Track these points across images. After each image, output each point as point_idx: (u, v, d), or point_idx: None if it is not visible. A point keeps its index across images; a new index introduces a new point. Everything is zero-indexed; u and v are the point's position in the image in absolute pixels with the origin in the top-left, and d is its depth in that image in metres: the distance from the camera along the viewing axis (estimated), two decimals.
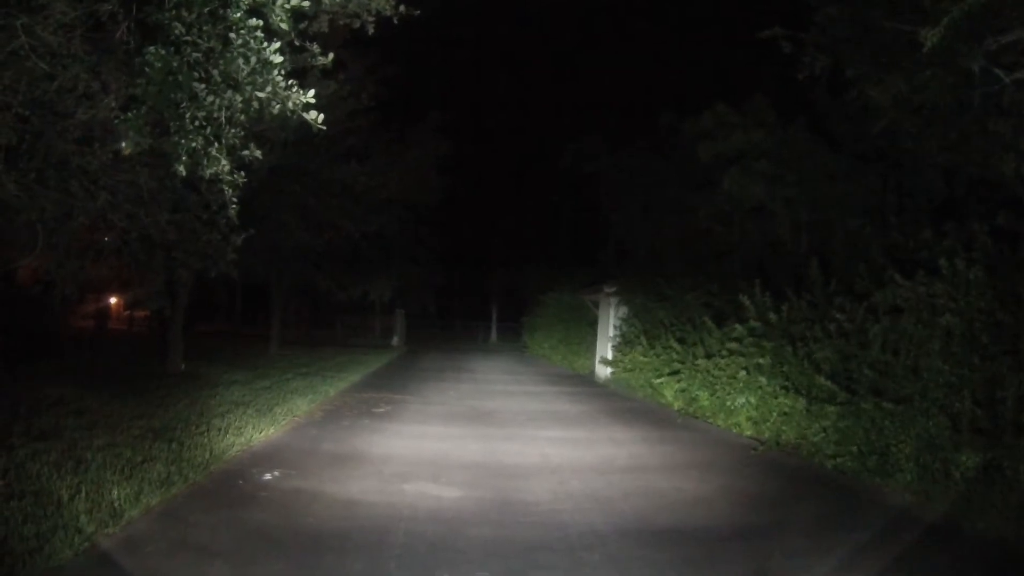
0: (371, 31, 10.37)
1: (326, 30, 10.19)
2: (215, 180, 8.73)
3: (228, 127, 8.04)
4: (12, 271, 19.85)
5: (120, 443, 11.27)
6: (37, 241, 11.74)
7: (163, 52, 7.28)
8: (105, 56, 8.60)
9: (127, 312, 48.64)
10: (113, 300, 48.70)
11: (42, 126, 9.50)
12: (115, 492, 8.69)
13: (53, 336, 26.17)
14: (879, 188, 16.38)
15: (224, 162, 8.23)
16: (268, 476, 10.65)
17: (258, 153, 8.91)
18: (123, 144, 7.91)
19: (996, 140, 12.89)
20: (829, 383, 13.42)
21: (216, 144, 8.06)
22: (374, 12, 10.18)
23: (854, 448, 12.34)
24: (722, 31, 26.49)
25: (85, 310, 42.66)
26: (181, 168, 8.03)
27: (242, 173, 8.90)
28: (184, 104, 7.66)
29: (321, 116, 8.02)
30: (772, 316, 15.83)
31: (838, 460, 12.54)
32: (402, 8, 10.22)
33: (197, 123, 7.75)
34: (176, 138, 7.74)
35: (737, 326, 16.92)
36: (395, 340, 46.57)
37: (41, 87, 8.69)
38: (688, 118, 24.70)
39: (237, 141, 8.41)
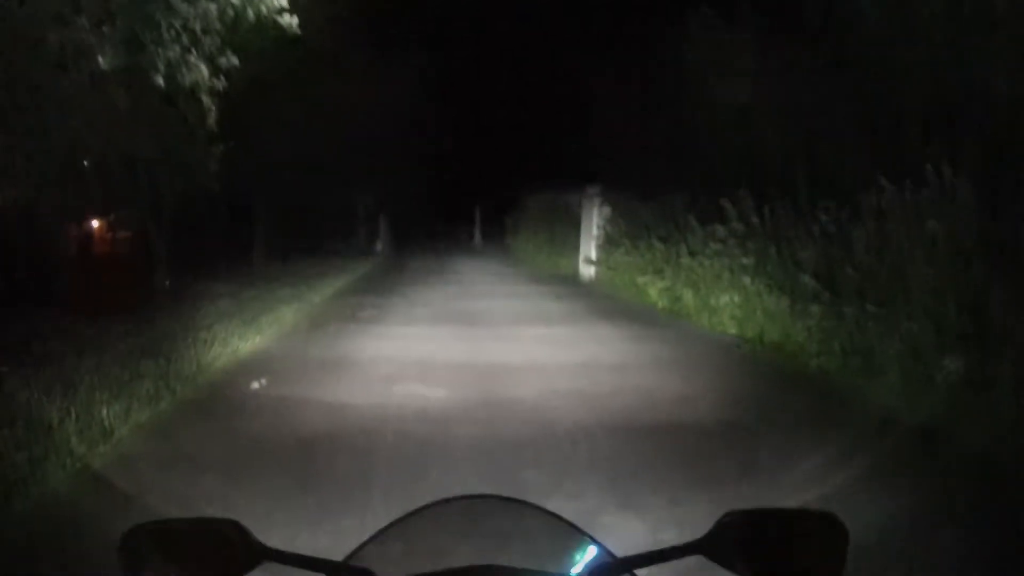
0: None
1: None
2: (194, 90, 8.65)
3: (205, 36, 7.95)
4: None
5: (108, 363, 11.21)
6: (14, 170, 11.61)
7: None
8: None
9: (110, 234, 48.23)
10: (95, 224, 48.25)
11: (13, 54, 9.35)
12: (105, 411, 8.71)
13: (38, 263, 26.01)
14: (867, 99, 16.24)
15: (203, 69, 8.14)
16: (256, 385, 10.75)
17: (235, 60, 8.81)
18: (101, 60, 7.78)
19: (987, 53, 12.76)
20: (813, 282, 13.48)
21: (193, 53, 7.97)
22: None
23: (837, 348, 12.39)
24: None
25: (68, 235, 42.28)
26: (160, 79, 7.95)
27: (221, 78, 8.82)
28: (159, 15, 7.55)
29: (295, 20, 7.93)
30: (755, 219, 15.84)
31: (821, 359, 12.59)
32: None
33: (173, 32, 7.65)
34: (153, 49, 7.64)
35: (719, 226, 16.94)
36: (379, 246, 46.44)
37: (8, 13, 8.54)
38: (674, 21, 24.40)
39: (214, 49, 8.32)
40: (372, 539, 1.90)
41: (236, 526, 1.61)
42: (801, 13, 18.06)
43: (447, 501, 2.03)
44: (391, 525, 1.95)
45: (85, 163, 13.82)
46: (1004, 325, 9.87)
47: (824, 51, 17.39)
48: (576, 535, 1.97)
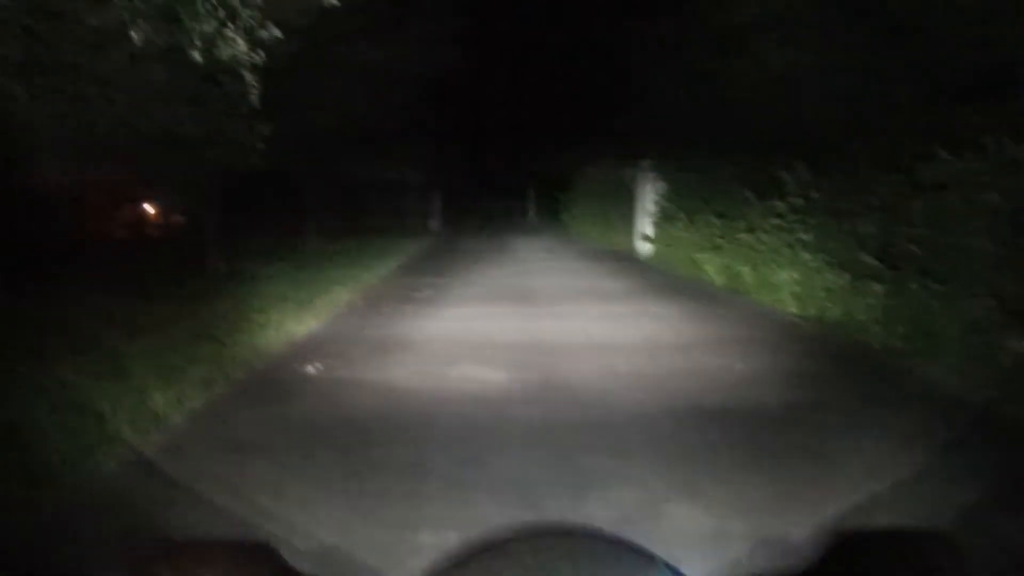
0: None
1: None
2: (233, 68, 8.49)
3: (242, 8, 7.77)
4: (42, 182, 19.78)
5: (160, 347, 11.24)
6: (61, 152, 11.59)
7: None
8: None
9: (164, 218, 48.77)
10: (148, 207, 48.80)
11: (51, 36, 9.26)
12: (157, 397, 8.65)
13: (91, 246, 26.23)
14: (902, 66, 15.78)
15: (241, 43, 7.97)
16: (310, 368, 10.62)
17: (277, 32, 8.64)
18: (133, 34, 7.63)
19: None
20: (873, 260, 13.13)
21: (231, 26, 7.80)
22: None
23: (900, 328, 12.07)
24: None
25: (122, 219, 42.78)
26: (197, 55, 7.80)
27: (260, 52, 8.65)
28: None
29: None
30: (814, 193, 15.48)
31: (884, 338, 12.27)
32: None
33: (209, 5, 7.48)
34: (189, 23, 7.48)
35: (778, 202, 16.59)
36: (432, 223, 46.48)
37: None
38: None
39: (253, 22, 8.15)
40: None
41: (267, 549, 1.42)
42: None
43: (514, 535, 1.84)
44: (455, 560, 1.76)
45: (129, 142, 13.75)
46: None
47: (878, 11, 16.96)
48: (649, 561, 1.78)
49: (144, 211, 47.31)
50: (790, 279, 15.84)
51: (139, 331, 12.42)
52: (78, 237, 26.03)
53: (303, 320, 14.00)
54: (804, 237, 15.53)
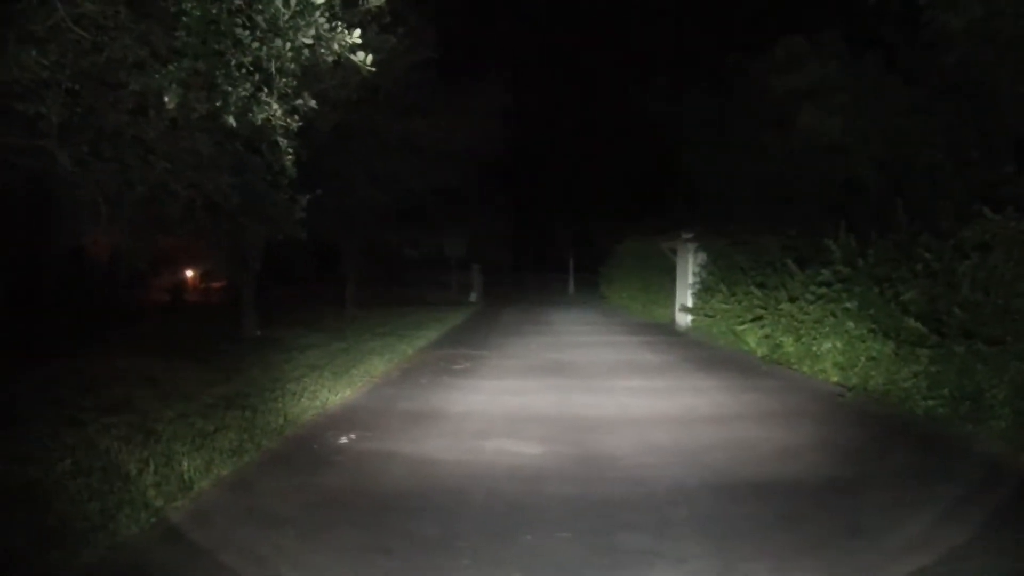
0: None
1: None
2: (268, 129, 8.47)
3: (279, 76, 7.76)
4: (81, 246, 20.01)
5: (192, 412, 11.24)
6: (100, 215, 11.63)
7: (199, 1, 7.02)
8: (152, 23, 8.34)
9: (203, 284, 49.30)
10: (189, 273, 49.40)
11: (93, 99, 9.32)
12: (185, 464, 8.57)
13: (125, 307, 26.45)
14: (957, 123, 15.72)
15: (275, 106, 7.95)
16: (343, 439, 10.49)
17: (312, 102, 8.63)
18: (166, 98, 7.64)
19: None
20: (918, 325, 12.89)
21: (266, 91, 7.80)
22: None
23: (945, 393, 11.80)
24: None
25: (161, 283, 43.31)
26: (231, 119, 7.78)
27: (296, 118, 8.64)
28: (229, 52, 7.40)
29: (370, 57, 7.69)
30: (859, 261, 15.30)
31: (928, 405, 12.02)
32: None
33: (244, 70, 7.48)
34: (223, 86, 7.48)
35: (823, 271, 16.41)
36: (472, 296, 46.51)
37: (88, 59, 8.48)
38: (756, 55, 24.08)
39: (289, 90, 8.14)
40: None
41: None
42: (886, 41, 17.60)
43: None
44: None
45: (170, 208, 13.84)
46: None
47: (912, 79, 16.93)
48: None
49: (184, 276, 47.95)
50: (833, 348, 15.57)
51: (171, 395, 12.42)
52: (117, 300, 26.29)
53: (337, 390, 13.90)
54: (848, 305, 15.30)
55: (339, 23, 7.59)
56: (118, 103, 9.37)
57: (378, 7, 9.49)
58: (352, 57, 7.69)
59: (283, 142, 8.66)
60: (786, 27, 22.88)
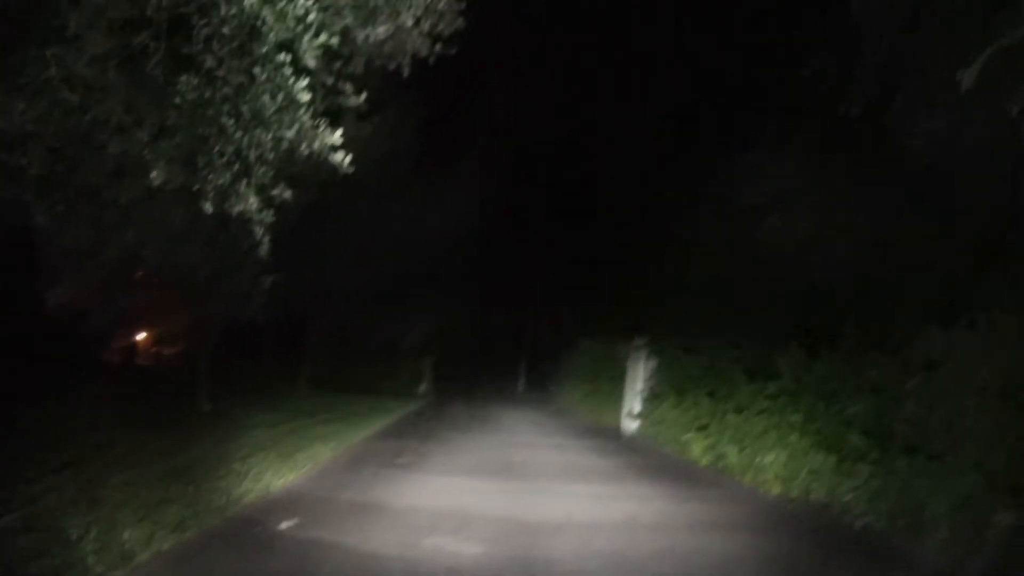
0: (407, 72, 10.27)
1: (362, 71, 10.10)
2: (244, 219, 8.63)
3: (258, 165, 7.94)
4: (42, 300, 19.95)
5: (138, 482, 11.22)
6: (66, 272, 11.72)
7: (195, 82, 7.21)
8: (138, 89, 8.52)
9: (157, 348, 48.88)
10: (143, 336, 48.98)
11: (74, 158, 9.44)
12: (127, 533, 8.55)
13: (82, 367, 26.25)
14: (924, 231, 16.11)
15: (252, 200, 8.11)
16: (285, 524, 10.45)
17: (287, 194, 8.81)
18: (153, 174, 7.80)
19: None
20: (862, 439, 13.14)
21: (245, 181, 7.96)
22: (410, 53, 10.05)
23: (885, 507, 12.03)
24: (763, 67, 26.35)
25: (116, 344, 42.93)
26: (208, 204, 7.94)
27: (271, 212, 8.79)
28: (213, 139, 7.58)
29: (348, 158, 7.89)
30: (806, 375, 15.57)
31: (869, 519, 12.22)
32: (438, 47, 10.08)
33: (225, 159, 7.65)
34: (204, 172, 7.64)
35: (770, 384, 16.66)
36: (422, 387, 46.37)
37: (74, 118, 8.62)
38: (728, 159, 24.52)
39: (267, 181, 8.31)
40: None
41: None
42: (856, 145, 18.04)
43: None
44: None
45: (138, 273, 13.92)
46: None
47: (881, 185, 17.34)
48: None
49: (136, 339, 47.50)
50: (776, 460, 15.73)
51: (118, 462, 12.38)
52: (72, 357, 26.09)
53: (283, 473, 13.85)
54: (793, 419, 15.53)
55: (321, 120, 7.78)
56: (98, 164, 9.49)
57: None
58: (331, 158, 7.89)
59: (258, 231, 8.80)
60: (753, 135, 23.35)
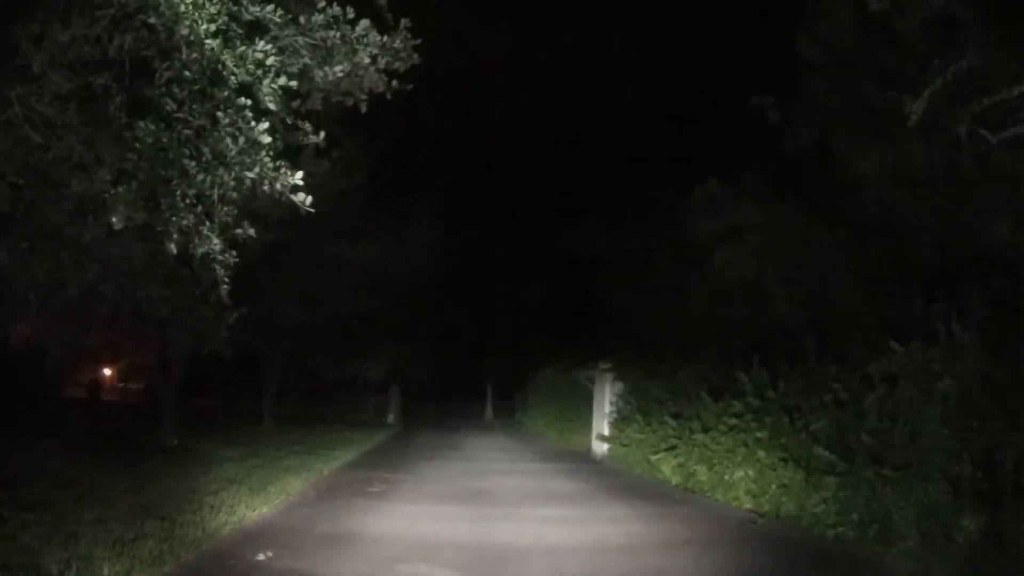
0: (364, 109, 10.38)
1: (320, 107, 10.21)
2: (207, 259, 8.71)
3: (220, 205, 8.05)
4: (3, 337, 19.86)
5: (111, 518, 11.22)
6: (28, 309, 11.72)
7: (153, 127, 7.32)
8: (99, 128, 8.61)
9: (121, 384, 48.62)
10: (107, 371, 48.69)
11: (35, 196, 9.50)
12: (106, 569, 8.59)
13: (45, 403, 26.14)
14: (873, 259, 16.41)
15: (216, 241, 8.23)
16: (260, 556, 10.48)
17: (251, 231, 8.92)
18: (114, 218, 7.90)
19: (985, 206, 12.96)
20: (827, 453, 13.38)
21: (208, 223, 8.07)
22: (366, 90, 10.17)
23: (854, 517, 12.30)
24: (712, 105, 26.85)
25: (79, 380, 42.70)
26: (172, 246, 8.03)
27: (234, 252, 8.89)
28: (175, 181, 7.68)
29: (309, 199, 8.02)
30: (770, 392, 15.80)
31: (839, 530, 12.48)
32: (394, 83, 10.21)
33: (188, 200, 7.76)
34: (167, 215, 7.74)
35: (735, 402, 16.87)
36: (390, 418, 46.26)
37: (35, 156, 8.68)
38: (681, 195, 24.87)
39: (230, 219, 8.42)
40: None
41: None
42: (805, 181, 18.34)
43: None
44: None
45: (98, 310, 13.92)
46: (1017, 480, 9.82)
47: (829, 218, 17.64)
48: None
49: (101, 374, 47.20)
50: (745, 476, 15.95)
51: (89, 498, 12.38)
52: (36, 393, 25.98)
53: (255, 506, 13.84)
54: (759, 435, 15.78)
55: (282, 163, 7.91)
56: (59, 203, 9.54)
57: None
58: (293, 198, 8.00)
59: (220, 271, 8.89)
60: (710, 168, 23.69)
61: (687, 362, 20.71)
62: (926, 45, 12.12)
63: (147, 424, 23.84)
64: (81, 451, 16.97)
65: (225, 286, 9.57)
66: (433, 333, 47.94)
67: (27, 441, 17.99)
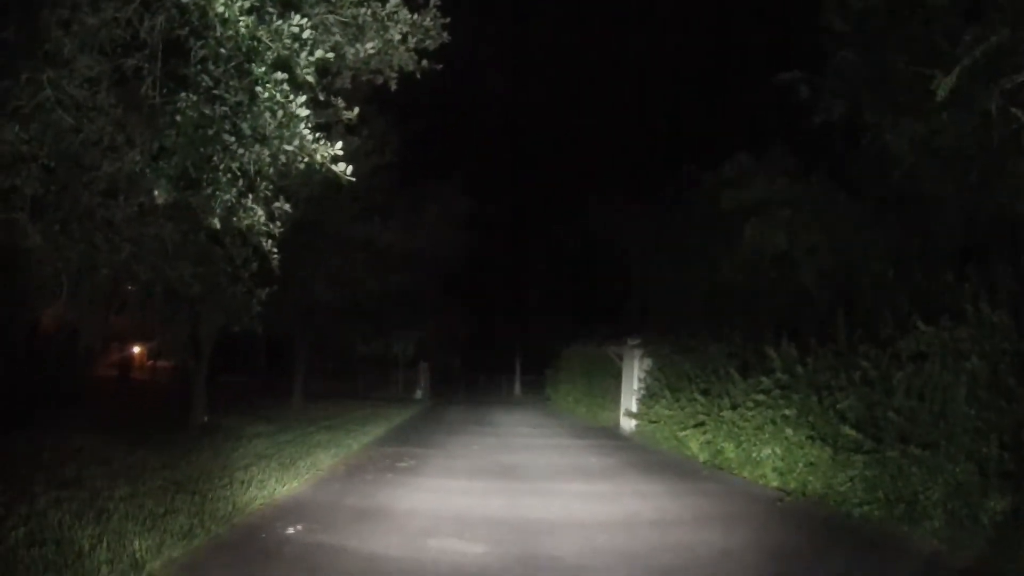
0: (394, 87, 10.41)
1: (349, 86, 10.25)
2: (250, 232, 8.79)
3: (259, 180, 8.11)
4: (36, 319, 20.04)
5: (142, 494, 11.34)
6: (61, 290, 11.80)
7: (195, 99, 7.37)
8: (130, 109, 8.66)
9: (151, 362, 49.00)
10: (136, 350, 49.09)
11: (68, 178, 9.56)
12: (137, 543, 8.70)
13: (77, 384, 26.36)
14: (902, 233, 16.32)
15: (260, 212, 8.29)
16: (291, 530, 10.58)
17: (287, 206, 8.98)
18: (155, 193, 7.96)
19: (1016, 179, 12.85)
20: (855, 432, 13.32)
21: (250, 196, 8.13)
22: (396, 68, 10.20)
23: (881, 496, 12.29)
24: (740, 79, 26.72)
25: (109, 359, 43.04)
26: (216, 221, 8.10)
27: (278, 223, 8.97)
28: (217, 157, 7.73)
29: (350, 168, 8.03)
30: (799, 368, 15.74)
31: (865, 508, 12.49)
32: (424, 63, 10.23)
33: (230, 175, 7.81)
34: (210, 190, 7.80)
35: (763, 378, 16.81)
36: (419, 393, 46.42)
37: (67, 139, 8.74)
38: (709, 168, 24.80)
39: (269, 193, 8.48)
40: None
41: None
42: (834, 155, 18.23)
43: None
44: None
45: (130, 289, 14.02)
46: None
47: (858, 192, 17.53)
48: None
49: (131, 353, 47.59)
50: (772, 454, 15.92)
51: (121, 475, 12.50)
52: (71, 374, 26.21)
53: (285, 481, 13.94)
54: (787, 412, 15.69)
55: (322, 135, 7.94)
56: (91, 184, 9.61)
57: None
58: (334, 168, 8.03)
59: (266, 243, 8.96)
60: (738, 142, 23.61)
61: (716, 337, 20.66)
62: (956, 19, 12.00)
63: (177, 402, 24.01)
64: (113, 429, 17.14)
65: (275, 256, 9.65)
66: (462, 310, 48.08)
67: (60, 420, 18.20)
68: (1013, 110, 11.65)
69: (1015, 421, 10.44)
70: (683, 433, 21.01)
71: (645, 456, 21.12)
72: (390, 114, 24.68)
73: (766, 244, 20.42)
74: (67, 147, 8.94)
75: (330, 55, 8.09)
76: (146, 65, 8.16)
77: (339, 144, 8.02)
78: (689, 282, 25.86)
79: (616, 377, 30.93)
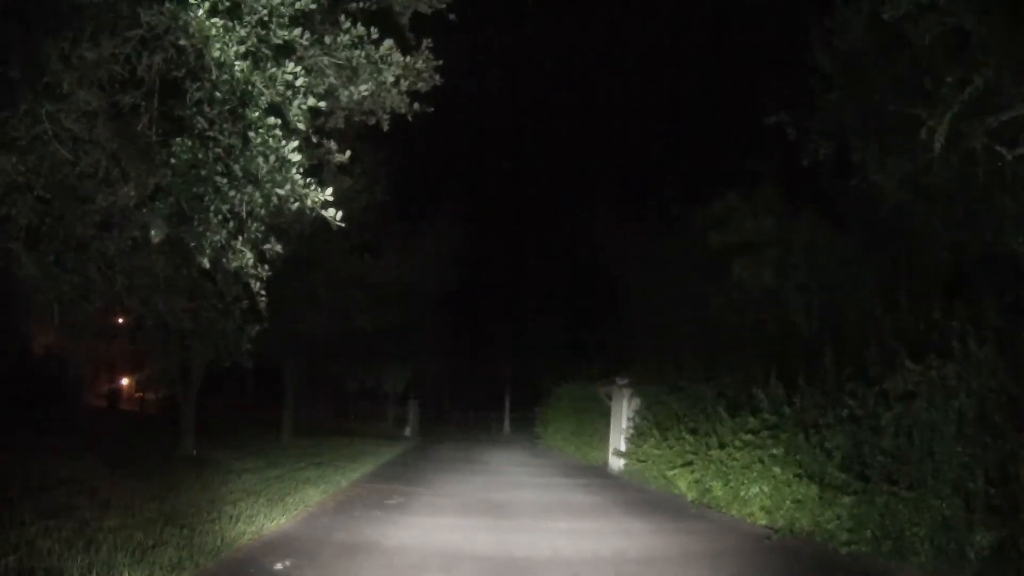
0: (386, 128, 10.57)
1: (342, 126, 10.41)
2: (239, 273, 8.89)
3: (250, 221, 8.23)
4: (28, 347, 20.14)
5: (131, 525, 11.36)
6: (51, 320, 11.91)
7: (189, 143, 7.50)
8: (126, 144, 8.79)
9: (139, 393, 48.98)
10: (125, 380, 49.05)
11: (63, 209, 9.67)
12: (126, 574, 8.74)
13: (67, 412, 26.41)
14: (890, 269, 16.51)
15: (249, 256, 8.41)
16: (279, 565, 10.60)
17: (279, 248, 9.09)
18: (152, 232, 8.10)
19: (1002, 216, 13.04)
20: (842, 474, 13.43)
21: (240, 238, 8.25)
22: (388, 110, 10.37)
23: (868, 533, 12.43)
24: (730, 118, 26.99)
25: (99, 389, 43.05)
26: (205, 260, 8.21)
27: (266, 267, 9.07)
28: (208, 197, 7.85)
29: (340, 214, 8.17)
30: (786, 408, 15.86)
31: (852, 547, 12.61)
32: (416, 106, 10.40)
33: (221, 216, 7.93)
34: (200, 230, 7.92)
35: (751, 418, 16.93)
36: (408, 430, 46.34)
37: (63, 171, 8.86)
38: (698, 205, 24.98)
39: (259, 235, 8.60)
40: None
41: None
42: (822, 193, 18.41)
43: None
44: None
45: (121, 322, 14.12)
46: None
47: (845, 229, 17.71)
48: None
49: (120, 384, 47.60)
50: (760, 492, 16.00)
51: (110, 506, 12.54)
52: (60, 403, 26.29)
53: (273, 516, 13.93)
54: (774, 452, 15.80)
55: (312, 180, 8.08)
56: (85, 216, 9.72)
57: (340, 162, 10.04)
58: (324, 213, 8.16)
59: (255, 284, 9.07)
60: (726, 180, 23.79)
61: (704, 377, 20.78)
62: (941, 59, 12.21)
63: (166, 434, 24.01)
64: (102, 460, 17.15)
65: (262, 298, 9.75)
66: (452, 346, 48.15)
67: (49, 449, 18.22)
68: (998, 148, 11.85)
69: (1001, 456, 10.61)
70: (671, 472, 21.06)
71: (633, 494, 21.17)
72: (382, 152, 24.90)
73: (755, 282, 20.58)
74: (63, 179, 9.07)
75: (322, 103, 8.25)
76: (143, 103, 8.30)
77: (330, 190, 8.16)
78: (678, 320, 25.99)
79: (605, 416, 30.99)
